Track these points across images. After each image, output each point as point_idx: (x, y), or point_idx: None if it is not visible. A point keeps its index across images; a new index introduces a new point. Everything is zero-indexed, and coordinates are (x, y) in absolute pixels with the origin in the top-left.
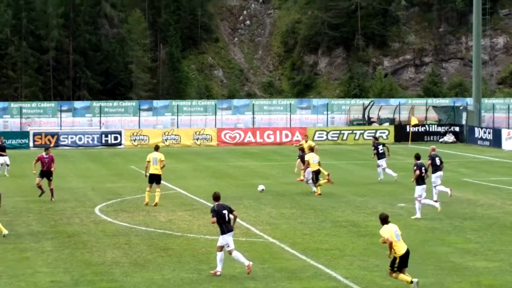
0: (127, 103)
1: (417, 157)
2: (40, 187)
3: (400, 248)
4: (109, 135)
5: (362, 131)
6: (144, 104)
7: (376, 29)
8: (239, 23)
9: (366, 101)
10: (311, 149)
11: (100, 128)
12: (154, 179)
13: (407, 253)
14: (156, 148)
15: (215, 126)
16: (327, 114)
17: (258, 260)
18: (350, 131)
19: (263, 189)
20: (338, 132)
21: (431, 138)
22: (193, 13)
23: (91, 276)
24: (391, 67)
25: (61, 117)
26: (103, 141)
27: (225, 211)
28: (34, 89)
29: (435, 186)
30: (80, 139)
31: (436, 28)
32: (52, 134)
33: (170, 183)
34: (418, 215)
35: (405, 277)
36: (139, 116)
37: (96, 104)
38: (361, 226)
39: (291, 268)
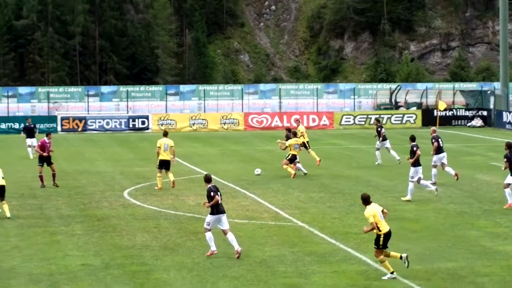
0: (153, 88)
1: (412, 138)
2: (41, 177)
3: (384, 226)
4: (136, 120)
5: (390, 116)
6: (170, 89)
7: (402, 13)
8: (265, 8)
9: (393, 86)
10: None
11: (127, 113)
12: (165, 165)
13: (389, 232)
14: (165, 134)
15: (242, 111)
16: (354, 98)
17: (287, 244)
18: (377, 116)
19: (259, 173)
20: (365, 116)
21: (459, 123)
22: None
23: (121, 260)
24: (418, 52)
25: (88, 102)
26: (131, 126)
27: (219, 193)
28: (61, 74)
29: (435, 166)
30: (107, 124)
31: (463, 12)
32: (80, 119)
33: (198, 167)
34: (409, 196)
35: (393, 253)
36: (166, 101)
37: (123, 89)
38: (389, 210)
39: (321, 252)
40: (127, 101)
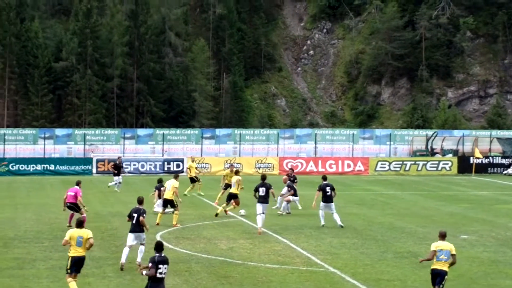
0: (189, 131)
1: (324, 178)
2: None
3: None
4: (171, 163)
5: (425, 162)
6: (206, 132)
7: (440, 60)
8: (303, 52)
9: (430, 132)
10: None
11: (162, 156)
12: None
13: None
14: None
15: (277, 155)
16: (390, 144)
17: None
18: (413, 162)
19: (244, 214)
20: (401, 162)
21: (495, 170)
22: (257, 42)
23: None
24: (455, 98)
25: (124, 144)
26: (166, 168)
27: (135, 214)
28: (98, 116)
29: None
30: (142, 166)
31: (501, 59)
32: (115, 161)
33: (232, 211)
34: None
35: None
36: (202, 144)
37: (159, 131)
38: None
39: None
40: (163, 144)
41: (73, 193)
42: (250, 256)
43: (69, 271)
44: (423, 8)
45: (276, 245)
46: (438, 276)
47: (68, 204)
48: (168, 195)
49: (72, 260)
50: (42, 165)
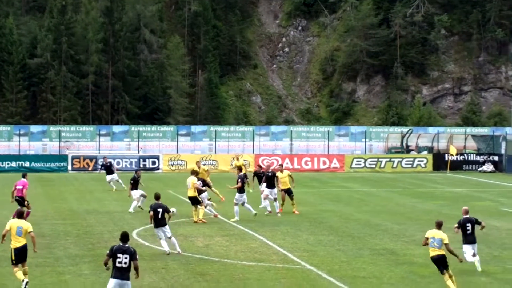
0: (165, 128)
1: (194, 171)
2: None
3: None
4: (147, 160)
5: (400, 159)
6: (182, 129)
7: (415, 57)
8: (278, 50)
9: (405, 129)
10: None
11: (138, 153)
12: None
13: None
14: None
15: (253, 152)
16: (365, 141)
17: (295, 287)
18: (388, 159)
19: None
20: (376, 159)
21: (470, 167)
22: (232, 39)
23: None
24: (430, 96)
25: (99, 141)
26: (141, 166)
27: (159, 209)
28: (73, 113)
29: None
30: (118, 163)
31: (476, 57)
32: (91, 158)
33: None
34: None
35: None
36: (177, 141)
37: (134, 128)
38: (399, 255)
39: None
40: (138, 141)
41: (21, 187)
42: (226, 253)
43: (14, 262)
44: (398, 6)
45: (252, 242)
46: (439, 262)
47: (17, 197)
48: (190, 192)
49: (14, 251)
50: (17, 162)
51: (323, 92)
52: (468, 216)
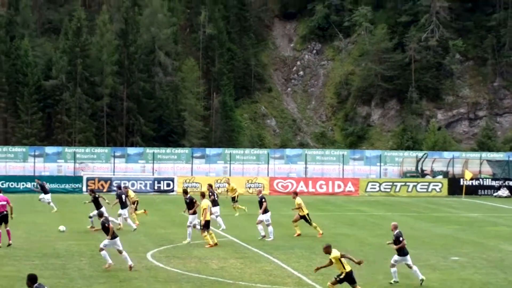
0: (180, 150)
1: (185, 191)
2: None
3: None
4: (161, 182)
5: (415, 183)
6: (197, 152)
7: (430, 82)
8: (293, 73)
9: (420, 154)
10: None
11: (153, 175)
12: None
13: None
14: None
15: (268, 175)
16: (380, 165)
17: None
18: (403, 183)
19: (64, 230)
20: (391, 183)
21: (485, 192)
22: (246, 63)
23: None
24: (445, 120)
25: (114, 163)
26: (156, 187)
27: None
28: (87, 135)
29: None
30: (132, 185)
31: (491, 82)
32: (105, 179)
33: (223, 231)
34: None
35: None
36: (192, 163)
37: (149, 150)
38: (413, 279)
39: None
40: (153, 163)
41: (4, 202)
42: (241, 275)
43: None
44: (412, 31)
45: (267, 265)
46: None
47: (4, 213)
48: (208, 216)
49: None
50: (32, 183)
51: (337, 116)
52: (398, 230)
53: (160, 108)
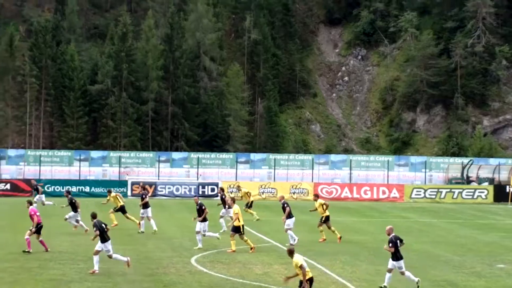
0: (224, 155)
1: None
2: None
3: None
4: (206, 186)
5: (461, 190)
6: (241, 157)
7: (476, 88)
8: (338, 79)
9: (465, 160)
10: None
11: (197, 179)
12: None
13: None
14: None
15: (312, 181)
16: (425, 171)
17: None
18: (449, 190)
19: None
20: (436, 190)
21: None
22: (291, 68)
23: None
24: (491, 127)
25: (159, 167)
26: (200, 192)
27: (103, 225)
28: (132, 139)
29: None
30: (177, 190)
31: None
32: (150, 184)
33: (267, 236)
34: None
35: None
36: (236, 169)
37: (194, 155)
38: (459, 286)
39: None
40: (198, 167)
41: (39, 213)
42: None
43: None
44: (458, 36)
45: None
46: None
47: (40, 224)
48: (242, 221)
49: None
50: (78, 187)
51: (382, 122)
52: (394, 234)
53: (205, 113)
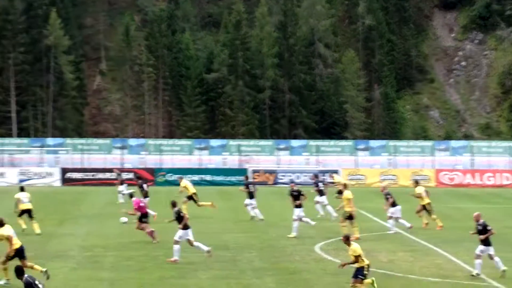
0: (343, 143)
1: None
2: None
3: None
4: (326, 174)
5: None
6: (360, 144)
7: None
8: (454, 64)
9: None
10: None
11: (317, 167)
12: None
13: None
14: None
15: (433, 167)
16: None
17: None
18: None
19: (125, 221)
20: None
21: None
22: (407, 53)
23: None
24: None
25: (278, 155)
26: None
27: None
28: (250, 127)
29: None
30: (297, 177)
31: None
32: (270, 172)
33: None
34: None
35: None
36: (356, 156)
37: (312, 143)
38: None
39: None
40: (317, 155)
41: (143, 204)
42: (410, 269)
43: None
44: None
45: (436, 258)
46: None
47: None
48: (348, 207)
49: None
50: (198, 176)
51: (502, 107)
52: (482, 220)
53: (322, 100)
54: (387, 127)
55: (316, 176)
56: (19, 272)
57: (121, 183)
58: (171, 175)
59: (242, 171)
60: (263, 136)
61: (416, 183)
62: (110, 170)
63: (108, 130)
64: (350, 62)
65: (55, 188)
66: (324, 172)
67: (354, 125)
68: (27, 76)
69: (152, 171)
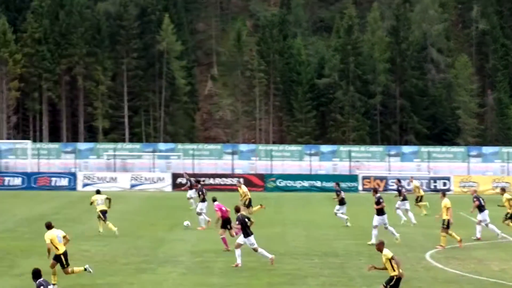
0: (455, 149)
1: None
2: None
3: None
4: (437, 181)
5: None
6: (472, 150)
7: None
8: None
9: None
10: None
11: (428, 173)
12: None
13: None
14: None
15: None
16: None
17: None
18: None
19: (188, 225)
20: None
21: None
22: None
23: None
24: None
25: (389, 162)
26: (432, 187)
27: (246, 219)
28: (361, 133)
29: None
30: (408, 185)
31: None
32: (381, 178)
33: (504, 232)
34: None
35: None
36: (468, 162)
37: (424, 149)
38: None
39: None
40: (429, 161)
41: (224, 208)
42: None
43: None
44: None
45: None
46: None
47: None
48: (449, 216)
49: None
50: (308, 182)
51: None
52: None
53: (433, 106)
54: (500, 133)
55: (399, 181)
56: (36, 275)
57: (190, 187)
58: (281, 181)
59: (352, 178)
60: (373, 142)
61: (503, 190)
62: (221, 176)
63: (219, 135)
64: (463, 67)
65: (166, 193)
66: (435, 179)
67: (467, 131)
68: (140, 81)
69: (262, 177)
